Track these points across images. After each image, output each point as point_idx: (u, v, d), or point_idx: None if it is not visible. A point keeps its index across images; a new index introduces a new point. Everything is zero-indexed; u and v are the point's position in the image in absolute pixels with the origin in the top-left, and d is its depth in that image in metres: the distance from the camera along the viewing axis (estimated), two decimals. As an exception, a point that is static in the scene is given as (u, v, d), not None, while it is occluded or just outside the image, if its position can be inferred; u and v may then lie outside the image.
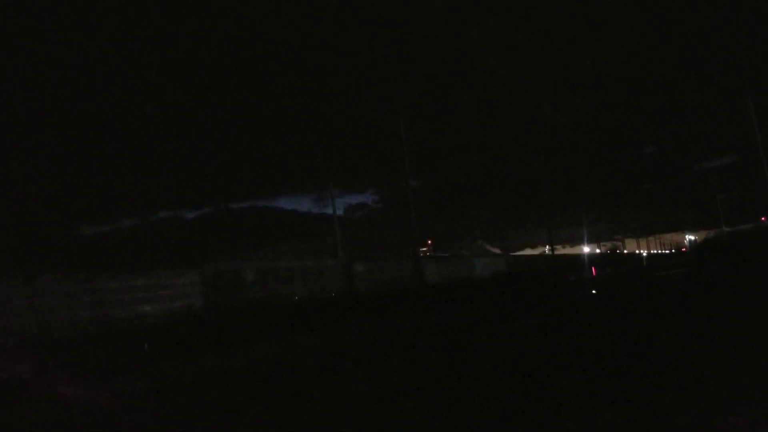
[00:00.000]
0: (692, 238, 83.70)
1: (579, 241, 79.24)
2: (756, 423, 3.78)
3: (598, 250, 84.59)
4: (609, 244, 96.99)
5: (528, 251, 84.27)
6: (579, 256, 58.51)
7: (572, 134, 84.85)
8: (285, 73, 63.72)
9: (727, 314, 9.36)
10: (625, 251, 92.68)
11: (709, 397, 4.54)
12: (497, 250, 75.02)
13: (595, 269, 35.94)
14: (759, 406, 4.07)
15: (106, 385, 7.05)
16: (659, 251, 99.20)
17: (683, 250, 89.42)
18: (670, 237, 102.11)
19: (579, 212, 63.81)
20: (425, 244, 57.51)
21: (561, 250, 73.54)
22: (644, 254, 77.76)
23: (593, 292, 18.48)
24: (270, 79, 64.20)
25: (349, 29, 61.98)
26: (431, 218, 58.83)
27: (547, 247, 62.30)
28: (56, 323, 12.46)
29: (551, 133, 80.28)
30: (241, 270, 17.99)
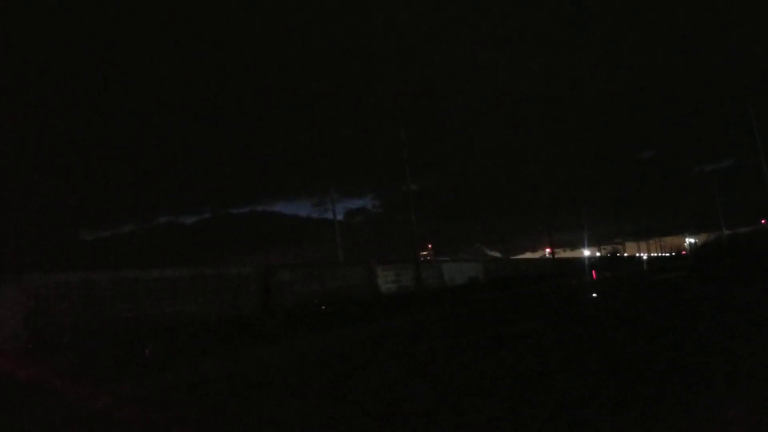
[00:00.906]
0: (692, 240, 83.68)
1: (579, 245, 79.35)
2: (756, 427, 3.79)
3: (598, 254, 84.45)
4: (609, 248, 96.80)
5: (528, 255, 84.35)
6: (579, 260, 58.44)
7: (573, 138, 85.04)
8: (286, 79, 63.86)
9: (727, 316, 9.36)
10: (626, 254, 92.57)
11: (709, 400, 4.54)
12: (497, 254, 75.10)
13: (596, 272, 35.75)
14: (759, 410, 4.08)
15: None
16: (660, 254, 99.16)
17: (683, 252, 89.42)
18: (671, 240, 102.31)
19: (579, 216, 63.89)
20: (425, 249, 57.55)
21: (562, 254, 73.56)
22: (645, 257, 77.71)
23: (593, 295, 18.40)
24: (270, 85, 64.31)
25: (349, 34, 62.11)
26: (431, 222, 58.84)
27: (548, 250, 62.25)
28: None
29: (552, 136, 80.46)
30: (90, 283, 13.19)
